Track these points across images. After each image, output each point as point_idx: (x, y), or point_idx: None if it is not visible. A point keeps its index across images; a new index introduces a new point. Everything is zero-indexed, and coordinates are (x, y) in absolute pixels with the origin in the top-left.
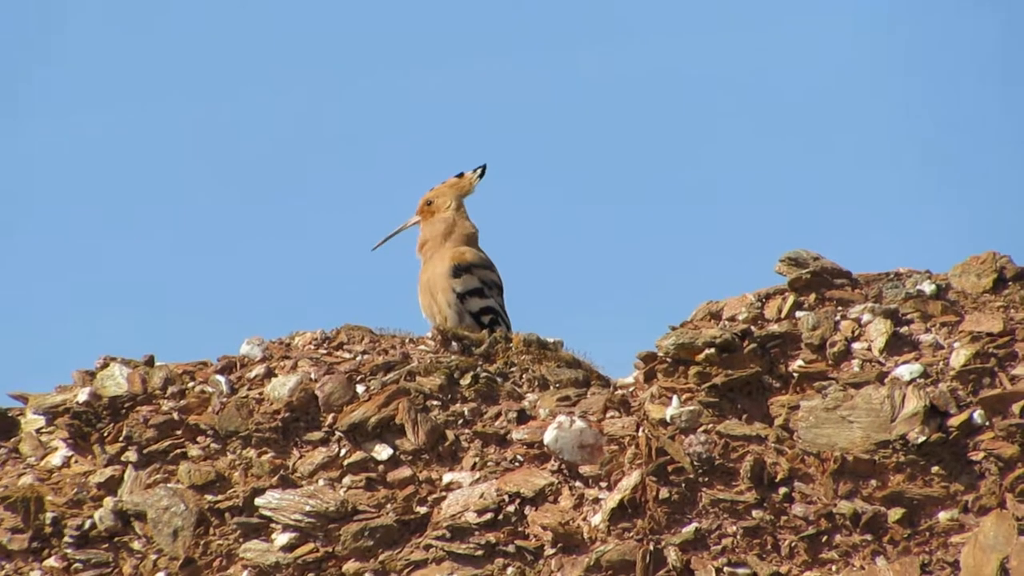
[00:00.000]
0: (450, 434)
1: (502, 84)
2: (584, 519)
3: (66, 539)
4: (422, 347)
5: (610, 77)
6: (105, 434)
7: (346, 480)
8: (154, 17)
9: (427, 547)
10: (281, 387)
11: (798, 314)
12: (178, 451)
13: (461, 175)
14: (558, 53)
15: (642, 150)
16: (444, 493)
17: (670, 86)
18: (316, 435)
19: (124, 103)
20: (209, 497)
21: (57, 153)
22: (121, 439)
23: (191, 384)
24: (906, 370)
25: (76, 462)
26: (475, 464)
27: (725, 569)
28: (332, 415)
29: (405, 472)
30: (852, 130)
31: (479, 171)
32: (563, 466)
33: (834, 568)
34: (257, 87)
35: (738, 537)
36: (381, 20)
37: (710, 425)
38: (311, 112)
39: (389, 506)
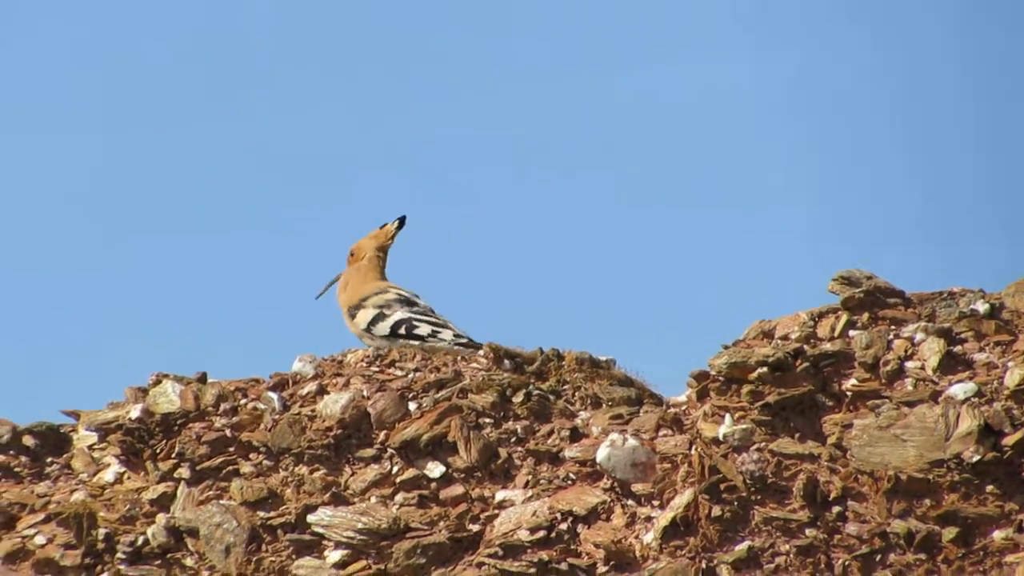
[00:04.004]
0: (503, 452)
1: (532, 103)
2: (636, 537)
3: (119, 555)
4: (474, 364)
5: (648, 95)
6: (157, 451)
7: (398, 497)
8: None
9: (480, 565)
10: (333, 404)
11: (851, 333)
12: (230, 468)
13: (383, 226)
14: (591, 75)
15: (693, 168)
16: (496, 511)
17: (711, 103)
18: (368, 452)
19: (172, 117)
20: (261, 514)
21: (108, 168)
22: (174, 456)
23: (243, 401)
24: (960, 389)
25: (128, 478)
26: (528, 482)
27: None
28: (384, 432)
29: (458, 490)
30: (905, 146)
31: (397, 222)
32: (616, 484)
33: None
34: (294, 102)
35: (791, 556)
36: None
37: (763, 443)
38: (353, 129)
39: (442, 523)
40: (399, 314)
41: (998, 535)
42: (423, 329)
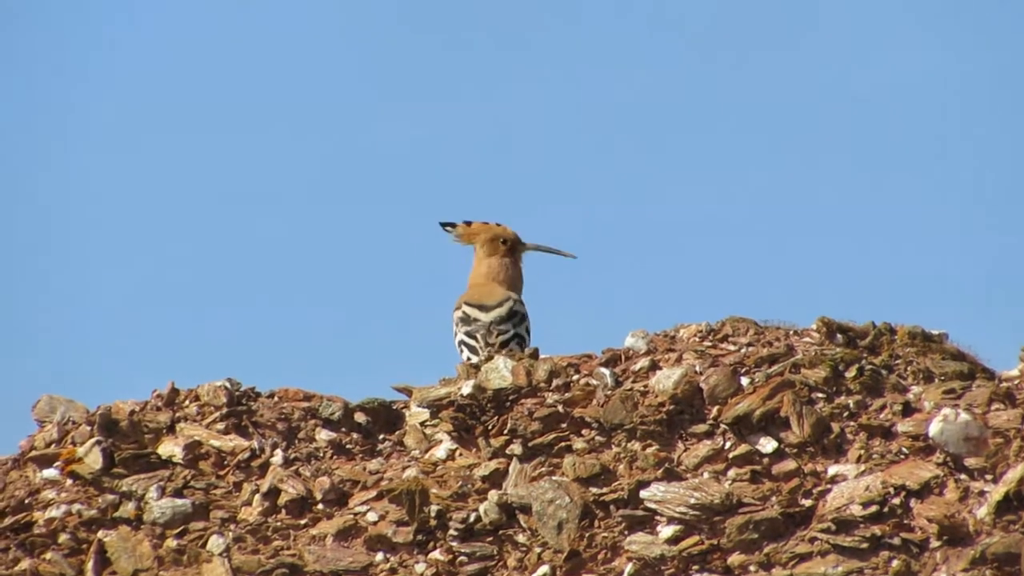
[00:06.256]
0: (835, 426)
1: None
2: (970, 511)
3: (451, 532)
4: (806, 339)
5: None
6: (489, 427)
7: (731, 473)
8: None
9: (812, 540)
10: (666, 379)
11: None
12: (563, 444)
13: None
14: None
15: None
16: (829, 486)
17: None
18: (701, 428)
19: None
20: (594, 490)
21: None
22: (506, 432)
23: (576, 377)
24: None
25: (460, 455)
26: (860, 456)
27: None
28: (717, 407)
29: (790, 465)
30: None
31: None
32: (948, 459)
33: None
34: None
35: None
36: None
37: None
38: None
39: (774, 499)
40: (459, 335)
41: None
42: (464, 354)
